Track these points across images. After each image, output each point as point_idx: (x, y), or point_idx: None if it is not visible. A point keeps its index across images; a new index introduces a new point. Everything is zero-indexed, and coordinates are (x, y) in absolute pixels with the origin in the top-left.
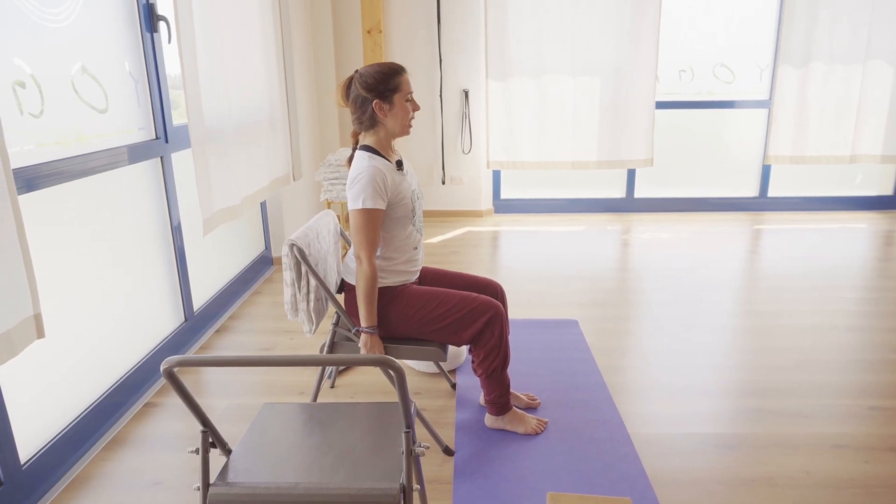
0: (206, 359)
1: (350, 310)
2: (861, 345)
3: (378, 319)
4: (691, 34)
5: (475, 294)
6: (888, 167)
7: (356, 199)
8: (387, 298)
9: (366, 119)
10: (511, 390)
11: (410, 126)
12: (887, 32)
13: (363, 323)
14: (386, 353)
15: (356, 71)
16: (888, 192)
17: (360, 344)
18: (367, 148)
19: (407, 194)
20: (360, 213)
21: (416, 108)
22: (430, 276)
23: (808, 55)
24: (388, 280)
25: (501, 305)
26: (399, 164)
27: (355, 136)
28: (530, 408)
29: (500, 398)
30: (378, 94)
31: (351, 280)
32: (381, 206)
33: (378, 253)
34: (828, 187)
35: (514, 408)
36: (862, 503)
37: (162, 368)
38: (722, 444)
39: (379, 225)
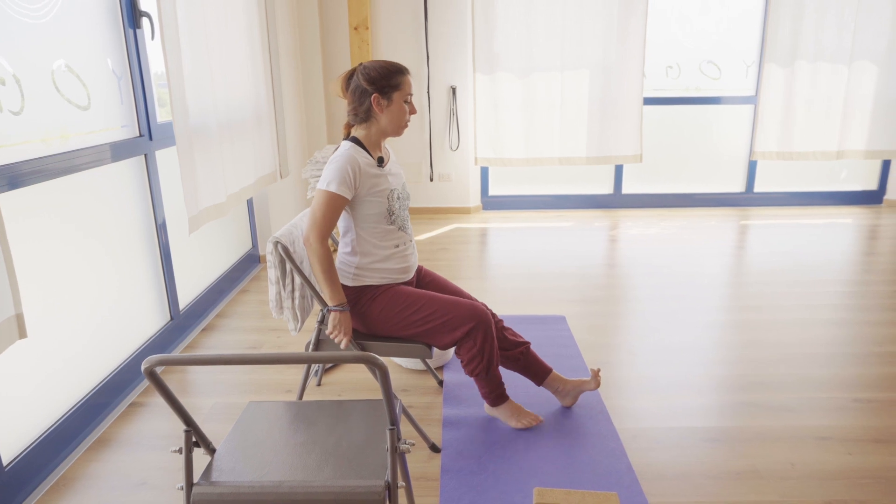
0: (187, 358)
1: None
2: (846, 338)
3: (360, 317)
4: (678, 30)
5: (461, 300)
6: (873, 162)
7: (323, 180)
8: (369, 296)
9: (361, 111)
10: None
11: (405, 128)
12: (872, 30)
13: (329, 302)
14: (369, 350)
15: (360, 63)
16: (873, 186)
17: (329, 321)
18: (353, 140)
19: (384, 192)
20: (321, 193)
21: (413, 111)
22: (425, 279)
23: (793, 52)
24: (370, 279)
25: (488, 314)
26: (380, 161)
27: (348, 127)
28: None
29: (491, 393)
30: (378, 88)
31: (340, 278)
32: (346, 194)
33: (350, 248)
34: (813, 182)
35: (510, 400)
36: (846, 494)
37: (143, 368)
38: (708, 437)
39: (337, 212)
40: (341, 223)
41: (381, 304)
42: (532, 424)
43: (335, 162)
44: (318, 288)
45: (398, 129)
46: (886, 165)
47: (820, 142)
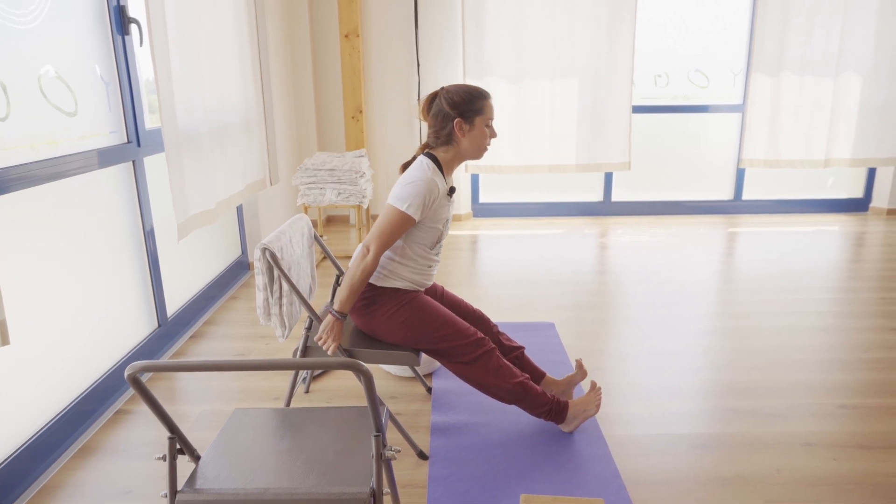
0: (170, 364)
1: (353, 306)
2: (832, 345)
3: (374, 318)
4: (667, 39)
5: (472, 331)
6: (858, 170)
7: (402, 199)
8: (400, 301)
9: (443, 135)
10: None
11: (485, 151)
12: (857, 40)
13: (337, 307)
14: (357, 357)
15: (442, 87)
16: (858, 194)
17: (323, 323)
18: (433, 158)
19: (442, 220)
20: (396, 212)
21: (493, 135)
22: (434, 292)
23: (780, 61)
24: (396, 282)
25: (491, 342)
26: (451, 191)
27: (425, 148)
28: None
29: (545, 413)
30: (461, 112)
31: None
32: (417, 217)
33: (394, 255)
34: (800, 190)
35: (568, 403)
36: (831, 500)
37: (126, 374)
38: (696, 444)
39: (403, 232)
40: None
41: (407, 312)
42: (600, 398)
43: (417, 184)
44: (305, 295)
45: (478, 152)
46: (872, 173)
47: (806, 150)
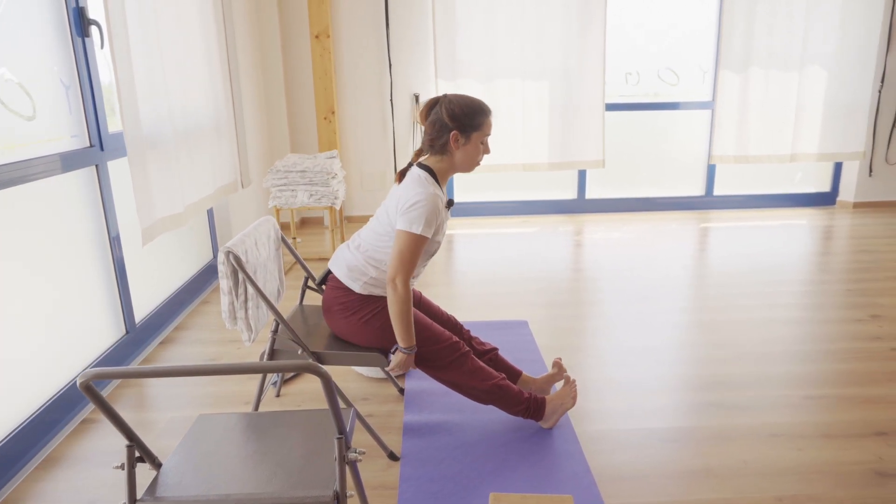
0: (123, 371)
1: (329, 304)
2: (800, 337)
3: (350, 324)
4: (636, 38)
5: (448, 335)
6: (825, 164)
7: (411, 223)
8: (375, 307)
9: (438, 145)
10: (525, 376)
11: (477, 165)
12: (820, 37)
13: (401, 343)
14: (325, 359)
15: (444, 95)
16: (826, 188)
17: (394, 360)
18: (428, 170)
19: (442, 234)
20: (410, 237)
21: (486, 150)
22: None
23: (747, 59)
24: (376, 290)
25: (466, 347)
26: (450, 203)
27: (419, 155)
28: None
29: (523, 411)
30: (459, 125)
31: (336, 271)
32: (430, 234)
33: (375, 258)
34: (770, 185)
35: (545, 400)
36: (795, 489)
37: (78, 382)
38: (665, 438)
39: (421, 251)
40: (386, 231)
41: (383, 317)
42: (575, 390)
43: (424, 205)
44: (273, 298)
45: (470, 167)
46: (838, 168)
47: (774, 145)
